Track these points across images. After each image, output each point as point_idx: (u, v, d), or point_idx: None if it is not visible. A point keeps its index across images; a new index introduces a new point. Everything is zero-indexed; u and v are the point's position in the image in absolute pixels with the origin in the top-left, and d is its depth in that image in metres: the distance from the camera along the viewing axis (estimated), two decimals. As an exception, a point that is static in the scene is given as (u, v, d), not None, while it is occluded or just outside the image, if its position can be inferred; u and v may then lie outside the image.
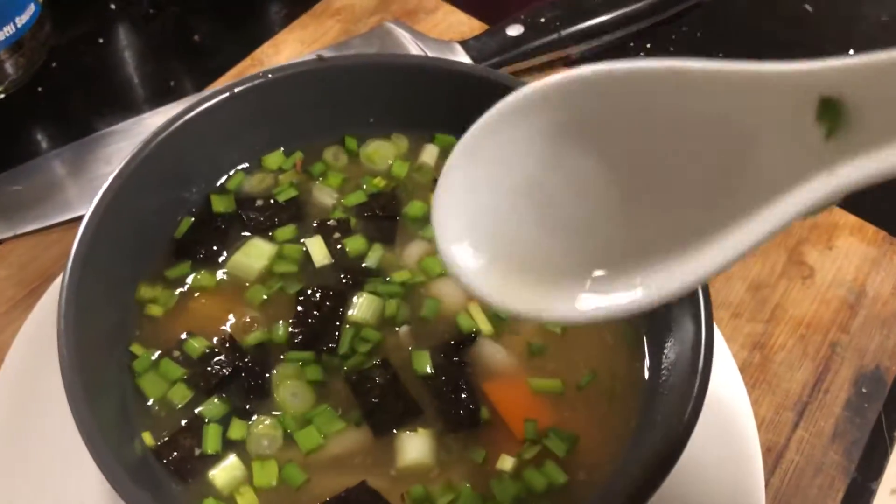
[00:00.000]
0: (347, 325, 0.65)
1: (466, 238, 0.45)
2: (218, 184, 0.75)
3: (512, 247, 0.46)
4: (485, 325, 0.66)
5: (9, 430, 0.69)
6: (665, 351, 0.62)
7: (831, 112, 0.36)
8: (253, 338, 0.65)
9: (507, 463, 0.61)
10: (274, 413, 0.62)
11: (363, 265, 0.70)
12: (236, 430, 0.61)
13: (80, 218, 0.64)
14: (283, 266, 0.70)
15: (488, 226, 0.46)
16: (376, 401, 0.62)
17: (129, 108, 1.03)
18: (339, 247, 0.70)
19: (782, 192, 0.37)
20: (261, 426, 0.62)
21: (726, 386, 0.73)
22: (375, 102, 0.76)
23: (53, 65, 1.06)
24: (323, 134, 0.77)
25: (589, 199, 0.45)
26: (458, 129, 0.46)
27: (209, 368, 0.63)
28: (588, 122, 0.43)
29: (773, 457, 0.76)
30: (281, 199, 0.73)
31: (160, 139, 0.67)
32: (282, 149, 0.77)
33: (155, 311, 0.67)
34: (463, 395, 0.63)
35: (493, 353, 0.66)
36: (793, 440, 0.77)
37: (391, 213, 0.73)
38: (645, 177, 0.43)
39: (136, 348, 0.65)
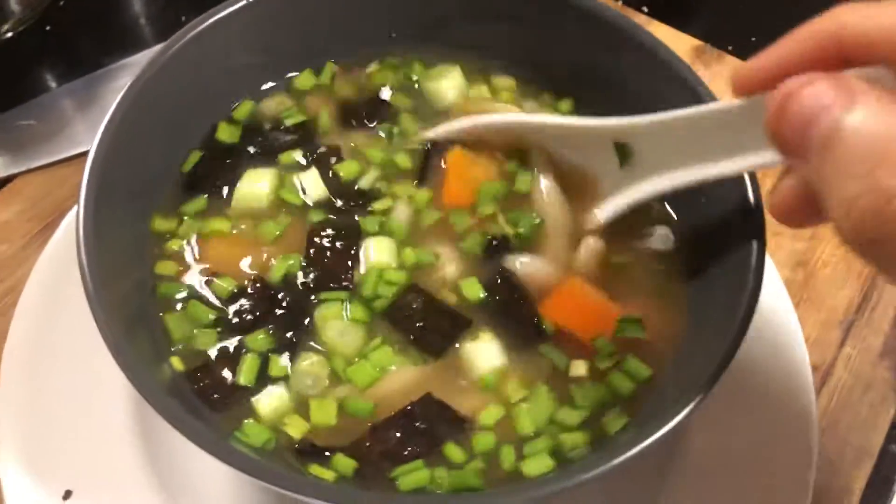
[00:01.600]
0: (365, 270, 0.62)
1: None
2: (229, 111, 0.71)
3: None
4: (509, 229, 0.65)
5: (29, 361, 0.67)
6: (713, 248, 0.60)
7: (622, 151, 0.59)
8: (278, 271, 0.62)
9: (580, 369, 0.59)
10: (317, 349, 0.60)
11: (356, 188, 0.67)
12: (276, 367, 0.58)
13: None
14: (288, 194, 0.66)
15: None
16: (421, 324, 0.60)
17: (139, 45, 1.00)
18: (331, 174, 0.67)
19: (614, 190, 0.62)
20: (307, 363, 0.59)
21: (773, 302, 0.70)
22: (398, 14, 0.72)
23: (61, 3, 1.03)
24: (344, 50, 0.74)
25: None
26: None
27: (241, 308, 0.61)
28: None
29: (821, 375, 0.73)
30: (289, 123, 0.70)
31: (167, 57, 0.63)
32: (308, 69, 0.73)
33: (174, 245, 0.64)
34: (522, 311, 0.60)
35: (536, 269, 0.63)
36: (840, 357, 0.74)
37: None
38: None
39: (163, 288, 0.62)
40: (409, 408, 0.56)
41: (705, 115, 0.51)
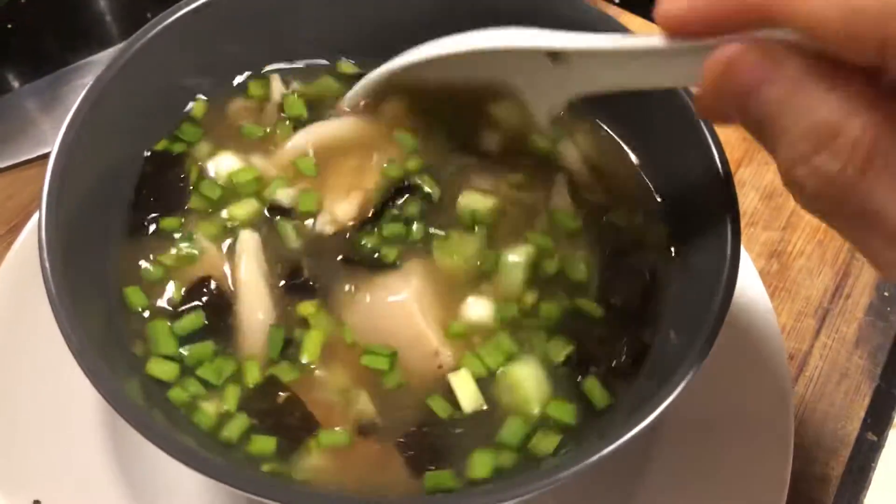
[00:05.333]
0: None
1: None
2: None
3: None
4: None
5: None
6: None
7: (554, 55, 0.56)
8: None
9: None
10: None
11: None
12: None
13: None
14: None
15: None
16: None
17: (105, 43, 0.98)
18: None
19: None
20: None
21: (749, 294, 0.70)
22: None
23: (23, 0, 1.00)
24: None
25: None
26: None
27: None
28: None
29: (797, 364, 0.73)
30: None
31: (130, 54, 0.61)
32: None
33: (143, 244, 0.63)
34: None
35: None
36: (815, 347, 0.74)
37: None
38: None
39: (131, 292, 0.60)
40: None
41: (636, 48, 0.49)
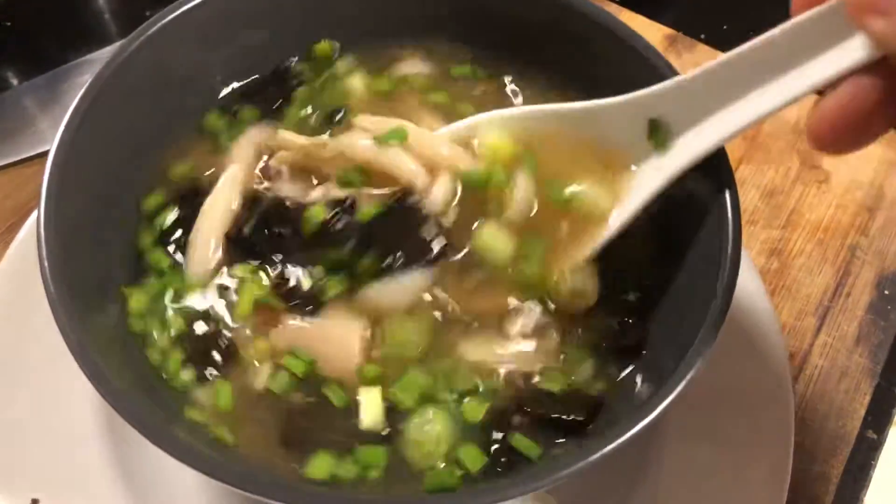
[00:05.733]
0: None
1: None
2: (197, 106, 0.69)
3: None
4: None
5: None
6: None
7: (658, 130, 0.55)
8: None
9: None
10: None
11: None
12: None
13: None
14: None
15: None
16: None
17: (103, 41, 0.98)
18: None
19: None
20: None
21: (749, 292, 0.70)
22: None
23: (20, -2, 1.00)
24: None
25: None
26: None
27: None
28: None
29: (797, 362, 0.73)
30: None
31: (129, 52, 0.61)
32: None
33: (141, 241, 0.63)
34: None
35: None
36: (816, 345, 0.74)
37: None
38: None
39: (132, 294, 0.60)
40: None
41: (752, 50, 0.48)
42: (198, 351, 0.57)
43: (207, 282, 0.60)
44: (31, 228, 0.71)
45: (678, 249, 0.61)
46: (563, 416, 0.54)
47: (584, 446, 0.46)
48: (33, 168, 0.83)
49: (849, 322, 0.75)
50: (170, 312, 0.59)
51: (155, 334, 0.58)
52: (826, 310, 0.76)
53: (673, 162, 0.55)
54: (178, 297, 0.60)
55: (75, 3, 1.02)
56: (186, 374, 0.57)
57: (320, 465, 0.52)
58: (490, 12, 0.69)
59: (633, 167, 0.58)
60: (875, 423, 0.71)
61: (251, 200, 0.63)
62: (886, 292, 0.77)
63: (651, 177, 0.56)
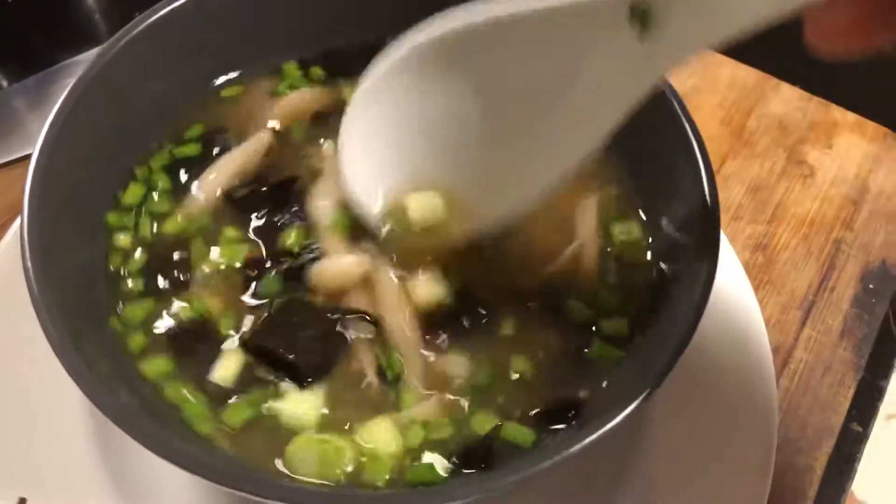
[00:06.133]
0: None
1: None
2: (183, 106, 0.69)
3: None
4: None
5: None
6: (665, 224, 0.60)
7: (641, 17, 0.44)
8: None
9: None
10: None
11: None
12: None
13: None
14: None
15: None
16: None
17: (92, 41, 0.98)
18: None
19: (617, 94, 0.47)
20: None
21: (732, 286, 0.70)
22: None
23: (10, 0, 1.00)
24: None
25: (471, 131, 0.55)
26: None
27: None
28: (458, 69, 0.53)
29: (782, 356, 0.73)
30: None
31: (113, 53, 0.61)
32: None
33: (126, 243, 0.63)
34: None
35: None
36: (800, 339, 0.75)
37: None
38: (513, 107, 0.53)
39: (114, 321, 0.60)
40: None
41: None
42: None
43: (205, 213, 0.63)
44: (19, 228, 0.71)
45: (659, 246, 0.62)
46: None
47: (557, 444, 0.47)
48: (22, 169, 0.83)
49: (833, 316, 0.76)
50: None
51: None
52: (811, 304, 0.77)
53: (667, 49, 0.44)
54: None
55: (64, 4, 1.02)
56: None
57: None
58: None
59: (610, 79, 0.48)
60: (860, 416, 0.72)
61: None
62: (871, 286, 0.78)
63: (640, 72, 0.47)
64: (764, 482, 0.62)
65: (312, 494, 0.49)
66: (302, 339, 0.57)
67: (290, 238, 0.62)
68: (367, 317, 0.58)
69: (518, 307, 0.59)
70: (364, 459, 0.53)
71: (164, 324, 0.59)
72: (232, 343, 0.58)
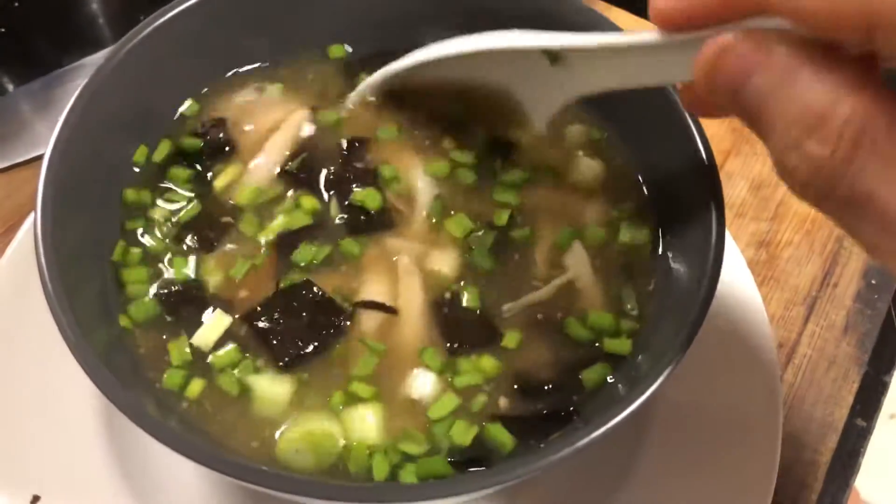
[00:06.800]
0: None
1: None
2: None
3: None
4: None
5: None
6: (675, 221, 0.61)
7: (551, 55, 0.57)
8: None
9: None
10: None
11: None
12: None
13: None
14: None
15: None
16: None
17: (98, 45, 0.98)
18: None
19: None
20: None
21: (736, 283, 0.71)
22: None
23: (16, 3, 1.01)
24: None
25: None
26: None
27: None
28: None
29: (786, 352, 0.74)
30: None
31: (122, 55, 0.62)
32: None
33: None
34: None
35: None
36: (804, 335, 0.75)
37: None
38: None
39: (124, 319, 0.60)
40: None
41: (632, 44, 0.50)
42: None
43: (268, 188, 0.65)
44: (28, 230, 0.72)
45: (665, 242, 0.62)
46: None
47: (567, 438, 0.47)
48: (30, 171, 0.84)
49: (836, 311, 0.77)
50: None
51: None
52: (814, 300, 0.77)
53: (573, 82, 0.57)
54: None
55: (70, 7, 1.03)
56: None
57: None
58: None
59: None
60: (863, 411, 0.73)
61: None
62: (873, 282, 0.78)
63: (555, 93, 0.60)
64: (769, 477, 0.62)
65: (318, 486, 0.49)
66: (293, 326, 0.58)
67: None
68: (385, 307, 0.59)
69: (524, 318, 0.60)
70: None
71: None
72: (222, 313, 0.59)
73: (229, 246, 0.63)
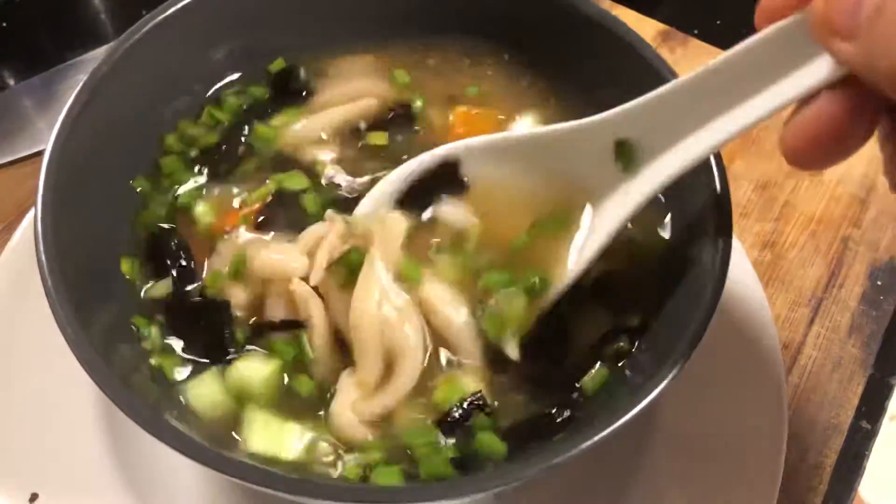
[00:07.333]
0: None
1: None
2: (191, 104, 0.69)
3: None
4: None
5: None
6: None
7: (626, 152, 0.53)
8: None
9: None
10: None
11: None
12: None
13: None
14: None
15: None
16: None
17: (99, 40, 0.98)
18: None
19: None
20: None
21: (741, 284, 0.70)
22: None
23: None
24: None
25: None
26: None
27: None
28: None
29: (791, 353, 0.74)
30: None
31: (124, 50, 0.62)
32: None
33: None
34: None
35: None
36: (809, 336, 0.75)
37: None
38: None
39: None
40: None
41: (716, 71, 0.47)
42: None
43: None
44: (29, 226, 0.72)
45: (672, 243, 0.62)
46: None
47: (581, 432, 0.47)
48: (30, 167, 0.84)
49: (842, 313, 0.76)
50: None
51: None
52: (819, 301, 0.77)
53: (641, 186, 0.53)
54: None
55: (71, 3, 1.02)
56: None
57: None
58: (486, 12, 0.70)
59: (595, 204, 0.57)
60: (868, 414, 0.72)
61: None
62: (879, 283, 0.78)
63: (618, 204, 0.55)
64: (774, 479, 0.62)
65: (319, 486, 0.49)
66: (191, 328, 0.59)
67: None
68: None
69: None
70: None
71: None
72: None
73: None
